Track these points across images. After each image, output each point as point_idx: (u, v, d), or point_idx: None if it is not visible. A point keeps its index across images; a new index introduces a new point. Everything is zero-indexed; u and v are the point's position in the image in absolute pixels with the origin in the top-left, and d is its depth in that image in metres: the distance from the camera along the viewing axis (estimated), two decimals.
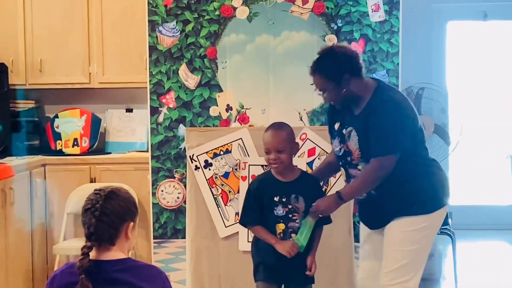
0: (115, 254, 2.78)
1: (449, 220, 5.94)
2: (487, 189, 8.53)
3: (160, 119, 5.32)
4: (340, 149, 3.85)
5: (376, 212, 3.84)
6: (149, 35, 5.31)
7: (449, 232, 5.89)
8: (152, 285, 2.68)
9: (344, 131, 3.82)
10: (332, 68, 3.76)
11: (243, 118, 5.28)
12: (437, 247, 6.32)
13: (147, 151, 5.71)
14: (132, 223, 2.86)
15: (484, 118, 8.41)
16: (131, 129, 6.48)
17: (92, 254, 2.74)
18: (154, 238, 5.27)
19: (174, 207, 5.29)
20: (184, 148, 5.19)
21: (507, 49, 8.30)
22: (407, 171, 3.73)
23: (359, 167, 3.76)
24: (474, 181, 8.47)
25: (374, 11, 5.24)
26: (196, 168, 4.47)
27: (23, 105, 6.42)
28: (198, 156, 4.48)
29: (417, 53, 6.84)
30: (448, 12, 8.06)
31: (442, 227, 5.83)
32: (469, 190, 8.34)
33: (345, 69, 3.76)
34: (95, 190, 2.86)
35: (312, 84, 3.83)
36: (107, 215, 2.77)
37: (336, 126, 3.89)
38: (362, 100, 3.79)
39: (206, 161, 4.47)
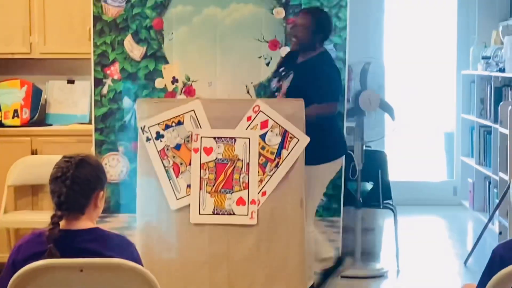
0: (84, 223, 2.73)
1: (392, 195, 6.03)
2: (422, 165, 8.67)
3: (104, 90, 5.25)
4: (275, 86, 5.05)
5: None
6: (94, 4, 5.23)
7: (391, 207, 5.96)
8: (121, 254, 2.63)
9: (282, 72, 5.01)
10: (322, 21, 4.98)
11: (189, 91, 5.24)
12: (377, 221, 6.41)
13: (89, 123, 5.63)
14: (102, 192, 2.81)
15: (420, 95, 8.52)
16: (72, 101, 6.35)
17: (61, 223, 2.69)
18: None
19: (117, 181, 5.23)
20: (129, 121, 5.13)
21: (442, 25, 8.42)
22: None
23: None
24: (409, 158, 8.60)
25: None
26: (148, 139, 4.42)
27: None
28: (149, 128, 4.43)
29: (357, 28, 6.89)
30: None
31: (384, 201, 5.93)
32: (405, 166, 8.47)
33: (325, 28, 4.99)
34: (64, 157, 2.80)
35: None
36: (78, 183, 2.71)
37: (281, 69, 5.04)
38: (309, 53, 4.94)
39: (157, 132, 4.42)
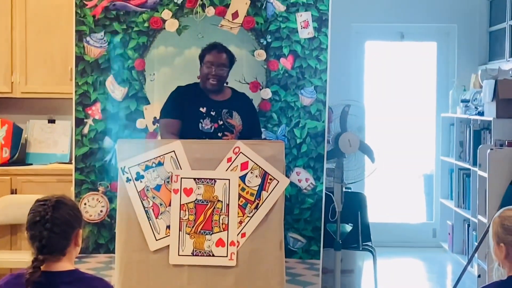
0: (64, 265, 2.73)
1: (371, 237, 6.03)
2: (401, 207, 8.69)
3: (85, 130, 5.25)
4: (211, 126, 4.89)
5: None
6: (76, 45, 5.24)
7: (370, 249, 5.97)
8: None
9: (213, 113, 4.94)
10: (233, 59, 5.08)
11: None
12: (357, 263, 6.40)
13: (69, 163, 5.63)
14: (80, 230, 2.82)
15: (400, 137, 8.56)
16: (53, 140, 6.38)
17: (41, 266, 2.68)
18: None
19: (97, 221, 5.22)
20: (109, 161, 5.13)
21: (422, 68, 8.50)
22: None
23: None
24: (389, 199, 8.62)
25: (304, 27, 5.30)
26: (128, 180, 4.41)
27: None
28: (129, 168, 4.42)
29: (338, 71, 6.96)
30: (366, 32, 8.25)
31: (364, 243, 5.94)
32: (384, 208, 8.48)
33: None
34: (38, 201, 2.80)
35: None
36: (59, 225, 2.72)
37: (203, 109, 4.94)
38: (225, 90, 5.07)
39: (137, 173, 4.41)
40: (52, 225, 2.70)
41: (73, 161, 5.27)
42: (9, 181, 5.96)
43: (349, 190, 6.11)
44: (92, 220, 5.21)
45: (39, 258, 2.67)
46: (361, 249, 5.92)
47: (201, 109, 4.97)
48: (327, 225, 5.57)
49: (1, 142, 6.18)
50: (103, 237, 5.18)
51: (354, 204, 5.90)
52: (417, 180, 8.73)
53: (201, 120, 4.93)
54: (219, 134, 4.94)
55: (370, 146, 5.64)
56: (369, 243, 5.97)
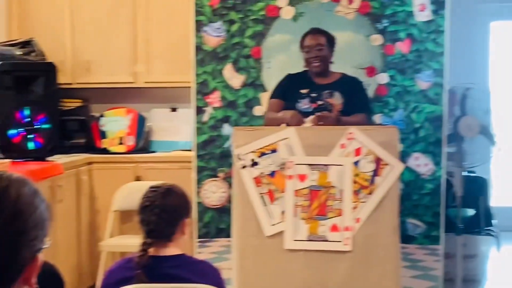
0: (171, 250, 2.84)
1: (494, 221, 5.92)
2: None
3: (205, 118, 5.35)
4: (309, 106, 5.02)
5: None
6: (195, 35, 5.35)
7: (493, 233, 5.86)
8: (207, 280, 2.72)
9: (314, 94, 5.05)
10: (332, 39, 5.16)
11: None
12: (480, 248, 6.30)
13: (191, 150, 5.76)
14: (187, 219, 2.91)
15: None
16: (175, 128, 6.54)
17: (150, 250, 2.79)
18: (198, 238, 5.29)
19: (218, 206, 5.32)
20: (228, 148, 5.23)
21: None
22: None
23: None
24: None
25: (420, 10, 5.23)
26: (243, 167, 4.49)
27: (70, 104, 6.52)
28: (245, 155, 4.51)
29: (460, 53, 6.83)
30: (491, 12, 8.04)
31: (486, 228, 5.84)
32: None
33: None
34: (151, 187, 2.92)
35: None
36: (166, 212, 2.83)
37: (305, 91, 5.07)
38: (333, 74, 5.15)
39: (252, 160, 4.49)
40: (160, 211, 2.81)
41: (194, 148, 5.41)
42: (133, 168, 6.16)
43: (471, 175, 6.01)
44: (213, 206, 5.32)
45: (147, 242, 2.79)
46: (483, 233, 5.82)
47: (302, 90, 5.11)
48: (448, 210, 5.51)
49: (126, 130, 6.39)
50: (224, 222, 5.28)
51: (475, 189, 5.81)
52: None
53: (299, 100, 5.05)
54: (317, 114, 5.05)
55: (491, 130, 5.53)
56: (491, 228, 5.86)
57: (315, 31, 5.18)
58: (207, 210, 5.31)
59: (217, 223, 5.31)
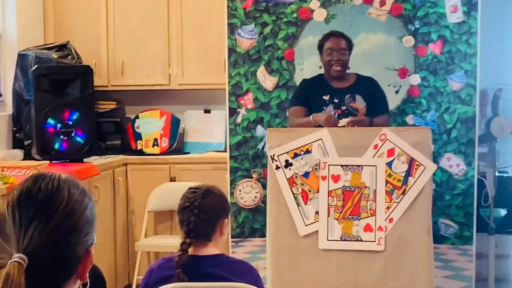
0: (210, 249, 2.90)
1: None
2: None
3: (238, 119, 5.41)
4: (335, 113, 4.98)
5: None
6: (228, 37, 5.41)
7: None
8: (245, 280, 2.78)
9: (336, 100, 5.01)
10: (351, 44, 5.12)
11: None
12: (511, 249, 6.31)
13: (225, 151, 5.81)
14: (226, 220, 2.97)
15: None
16: (208, 129, 6.60)
17: (190, 249, 2.86)
18: (232, 237, 5.35)
19: (251, 207, 5.38)
20: (261, 149, 5.29)
21: None
22: None
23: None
24: None
25: (452, 12, 5.26)
26: (277, 167, 4.55)
27: (105, 106, 6.61)
28: (279, 156, 4.55)
29: (492, 53, 6.82)
30: None
31: None
32: None
33: None
34: (190, 188, 2.99)
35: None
36: (205, 212, 2.89)
37: (326, 97, 5.02)
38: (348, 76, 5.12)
39: (286, 160, 4.54)
40: (200, 211, 2.88)
41: (228, 150, 5.46)
42: (168, 169, 6.23)
43: (504, 175, 6.02)
44: (247, 206, 5.38)
45: (187, 241, 2.86)
46: None
47: (324, 97, 5.07)
48: (480, 210, 5.53)
49: (160, 132, 6.47)
50: (258, 222, 5.34)
51: (508, 189, 5.81)
52: None
53: (324, 108, 5.03)
54: (350, 118, 5.00)
55: None
56: None
57: (337, 35, 5.15)
58: (241, 210, 5.37)
59: (251, 223, 5.38)
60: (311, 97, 5.10)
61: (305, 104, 5.11)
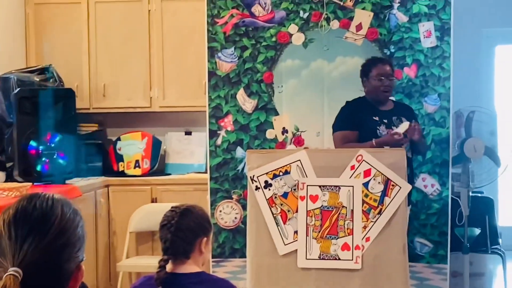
0: (189, 267, 2.99)
1: (500, 240, 6.05)
2: None
3: (219, 141, 5.50)
4: (387, 132, 5.01)
5: None
6: (209, 60, 5.51)
7: (499, 252, 5.99)
8: None
9: (385, 120, 5.05)
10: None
11: (298, 141, 5.47)
12: (487, 267, 6.41)
13: (205, 173, 5.88)
14: (205, 239, 3.06)
15: None
16: (189, 151, 6.68)
17: (169, 267, 2.96)
18: (212, 257, 5.41)
19: (232, 227, 5.47)
20: (241, 170, 5.39)
21: None
22: None
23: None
24: None
25: (426, 37, 5.41)
26: (257, 188, 4.64)
27: (87, 128, 6.68)
28: (258, 177, 4.65)
29: (466, 76, 6.98)
30: (496, 37, 8.19)
31: (493, 247, 5.96)
32: None
33: None
34: (172, 207, 3.09)
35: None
36: (182, 230, 2.99)
37: (376, 118, 5.06)
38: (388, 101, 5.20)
39: (266, 181, 4.63)
40: (176, 229, 2.98)
41: (208, 171, 5.55)
42: (149, 190, 6.29)
43: (478, 195, 6.15)
44: (228, 227, 5.47)
45: (164, 258, 2.96)
46: (489, 252, 5.95)
47: (374, 118, 5.12)
48: (454, 229, 5.65)
49: (142, 154, 6.54)
50: (238, 243, 5.43)
51: (481, 208, 5.94)
52: None
53: (378, 127, 5.07)
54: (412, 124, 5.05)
55: (496, 151, 5.67)
56: (498, 247, 5.98)
57: (385, 61, 5.26)
58: (222, 230, 5.46)
59: (231, 243, 5.46)
60: (362, 118, 5.12)
61: (355, 127, 5.13)
